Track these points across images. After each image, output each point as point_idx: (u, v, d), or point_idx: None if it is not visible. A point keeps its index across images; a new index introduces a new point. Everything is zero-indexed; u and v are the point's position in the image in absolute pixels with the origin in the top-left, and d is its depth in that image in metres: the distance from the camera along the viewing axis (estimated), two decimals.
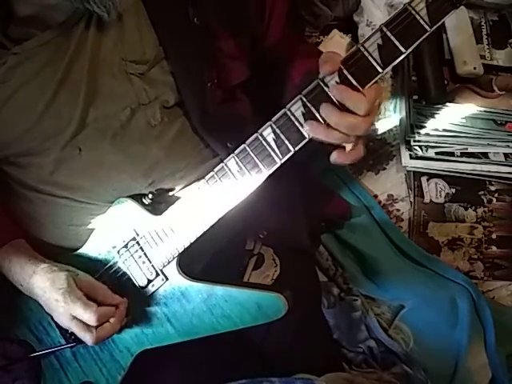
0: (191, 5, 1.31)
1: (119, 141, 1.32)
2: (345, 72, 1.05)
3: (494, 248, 2.14)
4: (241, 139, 1.22)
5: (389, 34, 1.01)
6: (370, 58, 1.03)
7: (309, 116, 1.10)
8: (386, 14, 2.19)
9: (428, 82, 2.12)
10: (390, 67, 1.04)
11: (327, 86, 1.07)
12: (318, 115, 1.09)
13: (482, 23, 2.23)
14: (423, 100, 2.15)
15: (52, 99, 1.27)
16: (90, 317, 1.25)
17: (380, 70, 1.03)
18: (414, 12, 1.00)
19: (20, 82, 1.26)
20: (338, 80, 1.06)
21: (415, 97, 2.16)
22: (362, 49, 1.04)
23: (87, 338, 1.28)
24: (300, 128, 1.12)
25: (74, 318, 1.27)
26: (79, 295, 1.27)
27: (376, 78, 1.04)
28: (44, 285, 1.29)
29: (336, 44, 2.23)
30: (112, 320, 1.30)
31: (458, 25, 2.15)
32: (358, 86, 1.06)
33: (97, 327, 1.28)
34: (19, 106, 1.28)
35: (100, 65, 1.28)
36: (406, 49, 1.01)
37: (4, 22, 1.25)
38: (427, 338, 1.90)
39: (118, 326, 1.32)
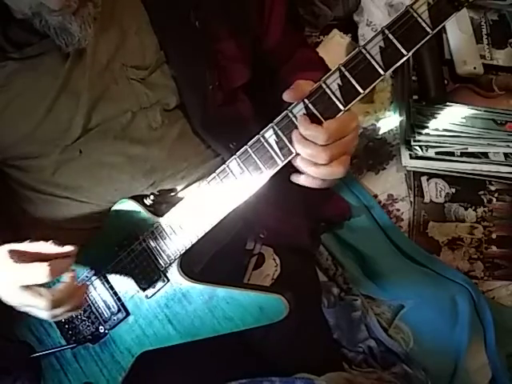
0: (192, 8, 1.30)
1: (120, 143, 1.32)
2: (347, 75, 1.05)
3: (494, 248, 2.14)
4: (243, 140, 1.22)
5: (391, 36, 1.01)
6: (371, 60, 1.03)
7: (310, 118, 1.10)
8: (386, 13, 2.19)
9: (428, 82, 2.12)
10: (391, 69, 1.04)
11: (329, 88, 1.07)
12: (320, 117, 1.09)
13: (482, 23, 2.24)
14: (423, 100, 2.15)
15: (52, 105, 1.27)
16: (40, 273, 1.09)
17: (382, 72, 1.03)
18: (415, 15, 1.00)
19: (20, 87, 1.26)
20: (340, 83, 1.06)
21: (415, 97, 2.17)
22: (364, 51, 1.03)
23: (42, 304, 1.14)
24: None
25: (24, 286, 1.13)
26: (25, 260, 1.12)
27: (378, 81, 1.04)
28: None
29: (336, 44, 2.23)
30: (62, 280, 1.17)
31: (458, 25, 2.15)
32: (322, 119, 1.09)
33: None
34: (19, 111, 1.28)
35: (101, 70, 1.28)
36: (408, 51, 1.01)
37: (4, 26, 1.25)
38: (427, 337, 1.90)
39: (71, 286, 1.17)
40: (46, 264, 1.09)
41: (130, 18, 1.28)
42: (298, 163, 1.13)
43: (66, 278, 1.16)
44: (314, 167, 1.11)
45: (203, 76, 1.34)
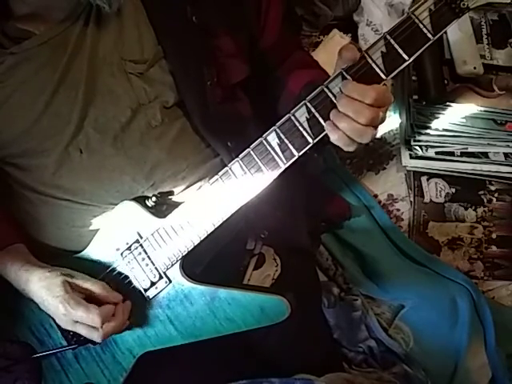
0: (189, 3, 1.30)
1: (120, 143, 1.32)
2: (349, 78, 1.06)
3: (493, 248, 2.14)
4: (241, 139, 1.22)
5: (392, 41, 1.02)
6: (373, 65, 1.04)
7: (313, 121, 1.11)
8: (386, 13, 2.20)
9: (428, 82, 2.13)
10: (393, 74, 1.04)
11: (331, 92, 1.08)
12: (322, 120, 1.10)
13: (482, 23, 2.24)
14: (423, 100, 2.16)
15: (51, 99, 1.27)
16: (93, 319, 1.25)
17: (384, 77, 1.04)
18: (417, 20, 1.00)
19: (19, 82, 1.26)
20: (341, 86, 1.06)
21: (415, 97, 2.17)
22: (366, 56, 1.04)
23: (94, 336, 1.28)
24: (304, 133, 1.12)
25: (77, 321, 1.28)
26: (79, 300, 1.26)
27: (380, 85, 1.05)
28: (40, 293, 1.30)
29: (336, 44, 2.23)
30: (117, 315, 1.30)
31: (457, 25, 2.15)
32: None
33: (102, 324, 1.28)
34: (18, 106, 1.28)
35: (99, 64, 1.28)
36: (410, 57, 1.02)
37: (2, 21, 1.26)
38: (427, 337, 1.90)
39: (123, 320, 1.32)
40: (98, 312, 1.26)
41: (128, 12, 1.28)
42: (333, 117, 1.11)
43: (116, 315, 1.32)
44: (347, 123, 1.09)
45: (201, 72, 1.33)
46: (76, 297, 1.27)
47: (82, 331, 1.29)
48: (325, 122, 1.09)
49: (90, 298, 1.29)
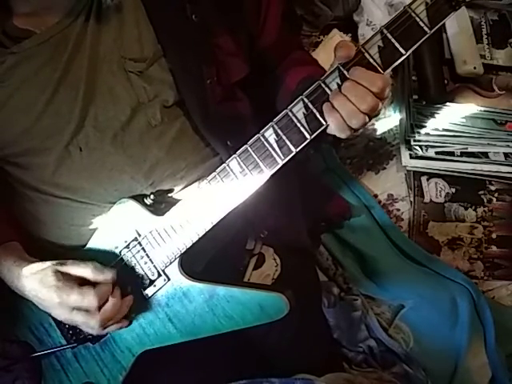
0: (189, 1, 1.30)
1: (119, 141, 1.32)
2: (346, 73, 1.06)
3: (493, 248, 2.14)
4: (240, 138, 1.22)
5: (389, 35, 1.02)
6: (370, 59, 1.04)
7: (310, 117, 1.11)
8: (386, 13, 2.20)
9: (428, 82, 2.13)
10: (390, 69, 1.05)
11: (328, 87, 1.08)
12: (319, 116, 1.10)
13: (482, 23, 2.24)
14: (423, 100, 2.16)
15: (51, 98, 1.27)
16: (89, 300, 1.24)
17: (381, 71, 1.04)
18: (413, 14, 1.00)
19: (19, 82, 1.26)
20: (339, 82, 1.06)
21: (415, 97, 2.17)
22: (363, 50, 1.04)
23: (92, 323, 1.27)
24: (301, 129, 1.12)
25: (74, 308, 1.26)
26: (71, 285, 1.25)
27: None
28: (33, 286, 1.28)
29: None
30: (111, 298, 1.28)
31: (458, 24, 2.16)
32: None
33: (99, 310, 1.27)
34: (18, 106, 1.28)
35: (99, 62, 1.28)
36: (406, 51, 1.02)
37: (3, 20, 1.26)
38: (427, 337, 1.90)
39: (118, 304, 1.30)
40: (92, 292, 1.24)
41: (128, 10, 1.28)
42: (332, 98, 1.11)
43: (112, 297, 1.29)
44: (345, 105, 1.09)
45: (200, 70, 1.33)
46: (68, 283, 1.25)
47: (79, 319, 1.28)
48: (322, 117, 1.09)
49: (85, 284, 1.28)
